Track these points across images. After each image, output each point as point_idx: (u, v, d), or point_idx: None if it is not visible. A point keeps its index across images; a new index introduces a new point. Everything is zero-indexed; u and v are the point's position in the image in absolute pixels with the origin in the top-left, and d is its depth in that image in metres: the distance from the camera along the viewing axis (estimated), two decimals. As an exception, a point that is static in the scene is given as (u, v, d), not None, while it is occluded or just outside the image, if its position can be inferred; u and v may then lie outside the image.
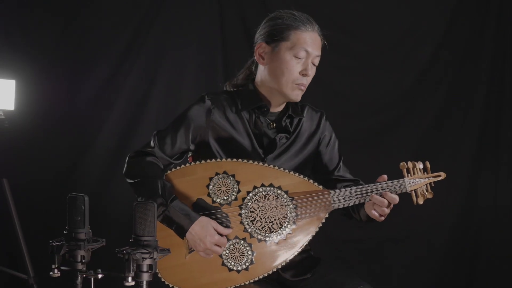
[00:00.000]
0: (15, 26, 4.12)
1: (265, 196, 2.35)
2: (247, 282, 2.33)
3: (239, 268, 2.33)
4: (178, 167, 2.40)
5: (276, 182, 2.36)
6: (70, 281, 1.86)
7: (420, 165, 2.40)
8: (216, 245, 2.31)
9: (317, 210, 2.36)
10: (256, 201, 2.35)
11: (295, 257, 2.38)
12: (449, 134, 4.39)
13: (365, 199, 2.36)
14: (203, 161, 2.38)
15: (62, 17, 4.19)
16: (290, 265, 2.43)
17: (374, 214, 2.36)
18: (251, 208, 2.35)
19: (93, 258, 1.90)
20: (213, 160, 2.38)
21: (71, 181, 4.21)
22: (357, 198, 2.36)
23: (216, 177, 2.36)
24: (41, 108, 4.12)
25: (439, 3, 4.42)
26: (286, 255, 2.36)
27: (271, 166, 2.37)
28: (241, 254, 2.33)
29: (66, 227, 1.88)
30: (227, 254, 2.33)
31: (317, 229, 2.37)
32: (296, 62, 2.40)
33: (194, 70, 4.30)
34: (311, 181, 2.38)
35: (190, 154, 2.53)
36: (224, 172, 2.36)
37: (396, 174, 2.39)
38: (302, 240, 2.37)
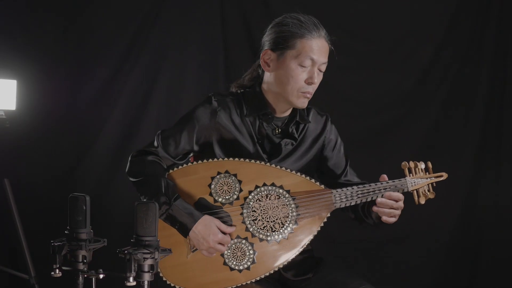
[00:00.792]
0: (17, 26, 4.12)
1: (267, 196, 2.35)
2: (248, 282, 2.33)
3: (241, 267, 2.33)
4: (180, 167, 2.40)
5: (278, 182, 2.36)
6: (71, 281, 1.86)
7: (422, 165, 2.40)
8: (220, 243, 2.30)
9: (319, 209, 2.36)
10: (258, 200, 2.35)
11: (296, 256, 2.38)
12: (450, 134, 4.38)
13: (366, 199, 2.36)
14: (205, 161, 2.38)
15: (64, 17, 4.20)
16: (291, 265, 2.43)
17: (384, 218, 2.35)
18: (253, 207, 2.35)
19: (94, 258, 1.91)
20: (215, 159, 2.38)
21: (73, 181, 4.21)
22: (358, 197, 2.36)
23: (218, 176, 2.36)
24: (42, 108, 4.13)
25: (440, 3, 4.41)
26: (287, 255, 2.36)
27: (273, 165, 2.38)
28: (242, 253, 2.33)
29: (68, 227, 1.88)
30: (228, 254, 2.33)
31: (319, 229, 2.37)
32: (302, 71, 2.38)
33: (195, 70, 4.30)
34: (312, 180, 2.38)
35: (192, 154, 2.52)
36: (226, 172, 2.36)
37: (398, 174, 2.39)
38: (303, 239, 2.37)
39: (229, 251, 2.33)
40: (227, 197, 2.35)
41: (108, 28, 4.23)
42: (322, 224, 2.37)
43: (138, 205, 1.83)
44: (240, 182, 2.35)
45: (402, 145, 4.33)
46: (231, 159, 2.37)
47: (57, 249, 1.85)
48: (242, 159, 2.37)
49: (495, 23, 4.35)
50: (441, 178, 2.42)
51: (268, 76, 2.47)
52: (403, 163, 2.38)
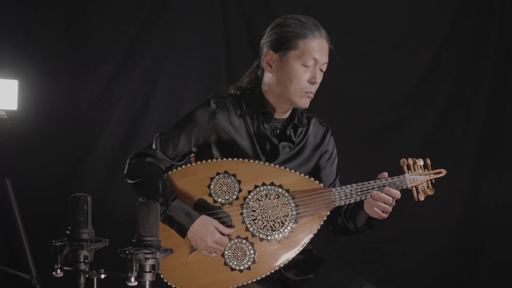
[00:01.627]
0: (18, 26, 4.13)
1: (266, 195, 2.36)
2: (249, 282, 2.34)
3: (242, 267, 2.34)
4: (179, 168, 2.40)
5: (277, 181, 2.36)
6: (72, 281, 1.87)
7: (420, 162, 2.40)
8: (218, 243, 2.31)
9: (319, 208, 2.37)
10: (257, 200, 2.35)
11: (297, 256, 2.38)
12: (452, 134, 4.39)
13: (366, 196, 2.36)
14: (204, 161, 2.38)
15: (65, 18, 4.20)
16: (293, 265, 2.44)
17: (377, 211, 2.35)
18: (252, 207, 2.35)
19: (96, 258, 1.91)
20: (214, 160, 2.39)
21: (74, 181, 4.22)
22: (358, 195, 2.36)
23: (217, 177, 2.36)
24: (43, 109, 4.13)
25: (442, 3, 4.41)
26: (288, 254, 2.36)
27: (272, 165, 2.38)
28: (243, 253, 2.34)
29: (69, 227, 1.88)
30: (229, 254, 2.34)
31: (319, 227, 2.38)
32: (305, 71, 2.39)
33: (197, 70, 4.31)
34: (312, 179, 2.39)
35: (193, 155, 2.53)
36: (225, 172, 2.36)
37: (399, 173, 2.38)
38: (304, 238, 2.37)
39: (229, 251, 2.34)
40: (226, 198, 2.36)
41: (110, 29, 4.24)
42: (322, 223, 2.38)
43: (139, 205, 1.83)
44: (239, 182, 2.36)
45: (404, 145, 4.33)
46: (229, 159, 2.37)
47: (58, 249, 1.86)
48: (241, 159, 2.37)
49: (496, 23, 4.35)
50: (440, 175, 2.41)
51: (269, 77, 2.47)
52: (401, 160, 2.38)
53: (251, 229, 2.34)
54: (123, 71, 4.24)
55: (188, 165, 2.40)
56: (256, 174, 2.36)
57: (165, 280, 2.36)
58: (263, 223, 2.35)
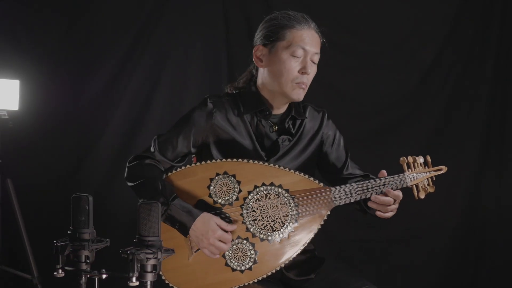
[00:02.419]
0: (20, 26, 4.14)
1: (266, 195, 2.36)
2: (250, 282, 2.34)
3: (243, 268, 2.34)
4: (178, 169, 2.40)
5: (277, 181, 2.36)
6: (74, 281, 1.87)
7: (420, 159, 2.40)
8: (220, 240, 2.31)
9: (319, 207, 2.37)
10: (257, 200, 2.35)
11: (299, 256, 2.39)
12: (453, 134, 4.39)
13: (366, 195, 2.36)
14: (203, 162, 2.38)
15: (67, 18, 4.21)
16: (294, 265, 2.44)
17: (379, 213, 2.36)
18: (252, 207, 2.35)
19: (97, 258, 1.91)
20: (213, 160, 2.39)
21: (75, 181, 4.22)
22: (358, 194, 2.36)
23: (216, 177, 2.36)
24: (45, 109, 4.14)
25: (443, 3, 4.41)
26: (289, 254, 2.36)
27: (271, 165, 2.38)
28: (244, 254, 2.34)
29: (70, 227, 1.89)
30: (230, 254, 2.34)
31: (319, 227, 2.38)
32: (294, 61, 2.39)
33: (198, 70, 4.31)
34: (311, 178, 2.39)
35: (194, 156, 2.54)
36: (225, 173, 2.36)
37: (400, 173, 2.38)
38: (304, 238, 2.37)
39: (230, 251, 2.34)
40: (226, 198, 2.36)
41: (111, 29, 4.24)
42: (323, 222, 2.38)
43: (141, 205, 1.84)
44: (239, 182, 2.36)
45: (405, 145, 4.33)
46: (229, 160, 2.37)
47: (60, 249, 1.86)
48: (240, 160, 2.37)
49: (498, 23, 4.36)
50: (441, 172, 2.41)
51: (262, 73, 2.48)
52: (401, 158, 2.38)
53: (251, 230, 2.35)
54: (124, 71, 4.25)
55: (188, 166, 2.40)
56: (256, 174, 2.36)
57: (166, 282, 2.36)
58: (263, 223, 2.35)
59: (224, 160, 2.38)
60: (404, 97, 4.43)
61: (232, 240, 2.34)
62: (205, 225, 2.29)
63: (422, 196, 2.37)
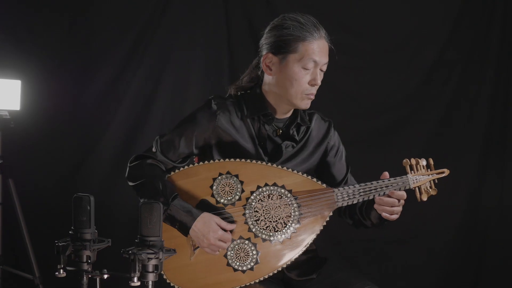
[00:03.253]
0: (21, 26, 4.14)
1: (268, 196, 2.35)
2: (252, 282, 2.34)
3: (244, 268, 2.34)
4: (181, 168, 2.40)
5: (280, 182, 2.36)
6: (75, 281, 1.87)
7: (423, 162, 2.39)
8: (220, 240, 2.31)
9: (321, 208, 2.36)
10: (260, 200, 2.35)
11: (300, 256, 2.38)
12: (454, 134, 4.38)
13: (368, 197, 2.36)
14: (206, 162, 2.38)
15: (68, 17, 4.21)
16: (295, 265, 2.44)
17: (385, 215, 2.36)
18: (255, 207, 2.35)
19: (98, 258, 1.91)
20: (216, 160, 2.38)
21: (77, 181, 4.22)
22: (360, 195, 2.36)
23: (219, 177, 2.36)
24: (46, 109, 4.14)
25: (445, 3, 4.41)
26: (291, 254, 2.36)
27: (274, 165, 2.37)
28: (246, 254, 2.34)
29: (72, 227, 1.88)
30: (232, 254, 2.34)
31: (322, 228, 2.37)
32: (305, 73, 2.37)
33: (200, 70, 4.31)
34: (314, 179, 2.38)
35: (196, 156, 2.53)
36: (228, 172, 2.36)
37: (402, 174, 2.38)
38: (307, 238, 2.37)
39: (232, 251, 2.34)
40: (229, 198, 2.36)
41: (113, 29, 4.24)
42: (325, 223, 2.37)
43: (142, 205, 1.84)
44: (241, 182, 2.35)
45: (407, 145, 4.33)
46: (232, 160, 2.37)
47: (61, 249, 1.86)
48: (243, 160, 2.37)
49: (500, 23, 4.35)
50: (443, 175, 2.40)
51: (269, 79, 2.45)
52: (404, 160, 2.37)
53: (253, 230, 2.34)
54: (126, 71, 4.25)
55: (191, 165, 2.39)
56: (259, 174, 2.35)
57: (168, 281, 2.35)
58: (265, 223, 2.34)
59: (227, 160, 2.38)
60: (406, 97, 4.42)
61: (234, 240, 2.34)
62: (206, 225, 2.29)
63: (425, 198, 2.37)
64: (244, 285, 2.34)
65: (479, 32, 4.37)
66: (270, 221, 2.35)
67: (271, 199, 2.35)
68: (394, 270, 4.40)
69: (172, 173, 2.40)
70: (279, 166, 2.37)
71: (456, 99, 4.39)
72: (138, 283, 1.81)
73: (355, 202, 2.37)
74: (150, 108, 4.26)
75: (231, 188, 2.35)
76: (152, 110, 4.26)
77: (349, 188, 2.37)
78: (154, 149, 2.45)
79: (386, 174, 2.38)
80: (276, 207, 2.35)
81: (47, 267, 3.47)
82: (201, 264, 2.34)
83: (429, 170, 2.40)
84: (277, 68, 2.41)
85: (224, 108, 2.45)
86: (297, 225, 2.35)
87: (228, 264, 2.34)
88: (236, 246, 2.34)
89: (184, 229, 2.30)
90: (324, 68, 2.42)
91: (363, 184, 2.36)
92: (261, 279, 2.34)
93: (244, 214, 2.35)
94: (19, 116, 3.84)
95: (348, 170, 2.62)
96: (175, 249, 1.94)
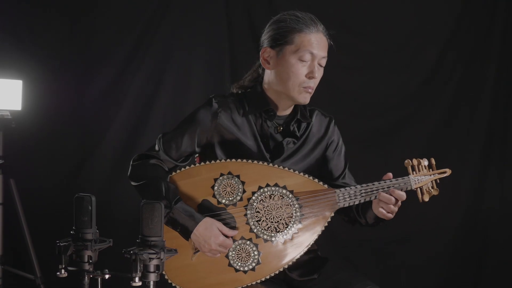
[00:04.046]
0: (23, 27, 4.14)
1: (270, 196, 2.35)
2: (254, 283, 2.34)
3: (246, 268, 2.34)
4: (182, 169, 2.40)
5: (281, 182, 2.36)
6: (77, 281, 1.87)
7: (425, 162, 2.39)
8: (222, 246, 2.31)
9: (323, 209, 2.36)
10: (261, 201, 2.35)
11: (302, 257, 2.38)
12: (456, 134, 4.38)
13: (370, 197, 2.35)
14: (207, 162, 2.38)
15: (70, 18, 4.21)
16: (297, 265, 2.44)
17: (382, 212, 2.35)
18: (256, 208, 2.35)
19: (100, 258, 1.91)
20: (218, 160, 2.38)
21: (78, 181, 4.23)
22: (362, 196, 2.36)
23: (221, 178, 2.36)
24: (48, 109, 4.14)
25: (446, 3, 4.41)
26: (292, 255, 2.36)
27: (276, 166, 2.37)
28: (247, 254, 2.34)
29: (73, 227, 1.88)
30: (233, 255, 2.34)
31: (323, 228, 2.37)
32: (302, 65, 2.37)
33: (201, 70, 4.31)
34: (316, 180, 2.38)
35: (197, 155, 2.53)
36: (229, 173, 2.36)
37: (403, 174, 2.38)
38: (308, 239, 2.37)
39: (233, 252, 2.34)
40: (230, 199, 2.36)
41: (114, 29, 4.25)
42: (326, 224, 2.37)
43: (143, 206, 1.83)
44: (243, 183, 2.35)
45: (408, 145, 4.33)
46: (233, 160, 2.37)
47: (62, 249, 1.86)
48: (244, 160, 2.36)
49: (501, 23, 4.35)
50: (445, 175, 2.40)
51: (268, 74, 2.46)
52: (406, 161, 2.37)
53: (255, 230, 2.34)
54: (127, 71, 4.25)
55: (192, 166, 2.39)
56: (260, 175, 2.35)
57: (169, 281, 2.35)
58: (267, 224, 2.34)
59: (228, 160, 2.37)
60: (407, 97, 4.42)
61: (236, 240, 2.34)
62: (208, 230, 2.29)
63: (426, 199, 2.36)
64: (245, 285, 2.34)
65: (480, 32, 4.37)
66: (272, 222, 2.35)
67: (273, 199, 2.35)
68: (395, 270, 4.40)
69: (174, 173, 2.40)
70: (281, 167, 2.37)
71: (457, 99, 4.39)
72: (140, 283, 1.81)
73: (356, 202, 2.37)
74: (151, 108, 4.26)
75: (233, 188, 2.35)
76: (153, 110, 4.26)
77: (351, 188, 2.37)
78: (157, 148, 2.45)
79: (390, 175, 2.38)
80: (278, 207, 2.35)
81: (48, 267, 3.48)
82: (203, 264, 2.34)
83: (431, 170, 2.39)
84: (274, 62, 2.42)
85: (225, 106, 2.45)
86: (299, 226, 2.35)
87: (230, 265, 2.34)
88: (238, 247, 2.34)
89: (186, 233, 2.30)
90: (323, 62, 2.42)
91: (364, 185, 2.36)
92: (263, 279, 2.34)
93: (245, 215, 2.35)
94: (20, 116, 3.85)
95: (346, 167, 2.62)
96: (177, 249, 1.94)
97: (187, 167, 2.39)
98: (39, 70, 4.11)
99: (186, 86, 4.30)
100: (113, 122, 4.24)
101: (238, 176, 2.35)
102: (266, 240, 2.34)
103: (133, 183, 2.42)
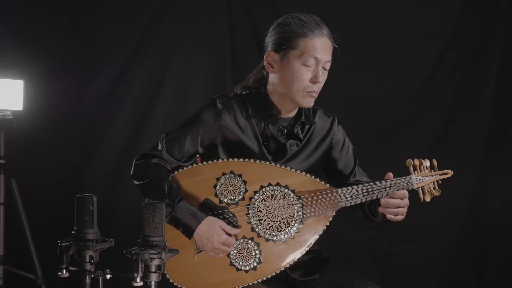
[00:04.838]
0: (24, 27, 4.14)
1: (272, 196, 2.35)
2: (255, 282, 2.33)
3: (247, 268, 2.34)
4: (185, 168, 2.40)
5: (283, 181, 2.36)
6: (78, 281, 1.87)
7: (427, 163, 2.39)
8: (225, 244, 2.31)
9: (324, 208, 2.36)
10: (263, 200, 2.35)
11: (303, 256, 2.38)
12: (457, 134, 4.37)
13: (372, 197, 2.35)
14: (210, 161, 2.38)
15: (71, 18, 4.21)
16: (298, 265, 2.43)
17: (389, 216, 2.36)
18: (258, 207, 2.35)
19: (101, 258, 1.91)
20: (220, 160, 2.38)
21: (80, 181, 4.22)
22: (364, 196, 2.35)
23: (223, 177, 2.36)
24: (49, 109, 4.14)
25: (448, 3, 4.41)
26: (294, 254, 2.36)
27: (278, 165, 2.37)
28: (249, 253, 2.34)
29: (75, 227, 1.88)
30: (235, 254, 2.34)
31: (325, 228, 2.37)
32: (306, 70, 2.37)
33: (203, 70, 4.31)
34: (317, 179, 2.38)
35: (199, 155, 2.53)
36: (231, 172, 2.36)
37: (404, 174, 2.37)
38: (310, 239, 2.36)
39: (235, 251, 2.34)
40: (232, 198, 2.36)
41: (115, 29, 4.24)
42: (328, 223, 2.37)
43: (145, 206, 1.83)
44: (245, 182, 2.35)
45: (410, 145, 4.32)
46: (235, 159, 2.37)
47: (64, 249, 1.85)
48: (247, 160, 2.37)
49: (502, 23, 4.34)
50: (447, 176, 2.40)
51: (272, 77, 2.46)
52: (407, 160, 2.37)
53: (256, 230, 2.34)
54: (128, 71, 4.25)
55: (194, 165, 2.39)
56: (262, 174, 2.35)
57: (170, 280, 2.35)
58: (268, 223, 2.34)
59: (230, 159, 2.37)
60: (408, 97, 4.42)
61: (237, 240, 2.33)
62: (210, 229, 2.29)
63: (428, 199, 2.36)
64: (247, 284, 2.34)
65: (482, 31, 4.36)
66: (273, 221, 2.35)
67: (274, 199, 2.35)
68: (397, 270, 4.39)
69: (176, 172, 2.40)
70: (283, 166, 2.37)
71: (459, 99, 4.39)
72: (141, 283, 1.81)
73: (358, 202, 2.37)
74: (152, 108, 4.26)
75: (235, 187, 2.35)
76: (154, 110, 4.26)
77: (352, 188, 2.36)
78: (159, 147, 2.45)
79: (390, 174, 2.38)
80: (279, 207, 2.35)
81: (49, 267, 3.48)
82: (204, 263, 2.34)
83: (432, 171, 2.39)
84: (278, 66, 2.41)
85: (229, 107, 2.45)
86: (300, 225, 2.35)
87: (231, 264, 2.34)
88: (239, 246, 2.34)
89: (188, 232, 2.30)
90: (327, 66, 2.41)
91: (366, 184, 2.36)
92: (264, 279, 2.34)
93: (247, 214, 2.35)
94: (21, 116, 3.85)
95: (356, 163, 2.62)
96: (179, 248, 1.94)
97: (190, 167, 2.39)
98: (41, 70, 4.11)
99: (187, 86, 4.30)
100: (115, 122, 4.24)
101: (240, 176, 2.35)
102: (267, 240, 2.34)
103: (135, 182, 2.42)
